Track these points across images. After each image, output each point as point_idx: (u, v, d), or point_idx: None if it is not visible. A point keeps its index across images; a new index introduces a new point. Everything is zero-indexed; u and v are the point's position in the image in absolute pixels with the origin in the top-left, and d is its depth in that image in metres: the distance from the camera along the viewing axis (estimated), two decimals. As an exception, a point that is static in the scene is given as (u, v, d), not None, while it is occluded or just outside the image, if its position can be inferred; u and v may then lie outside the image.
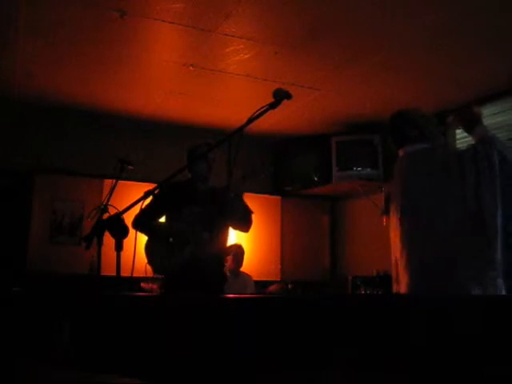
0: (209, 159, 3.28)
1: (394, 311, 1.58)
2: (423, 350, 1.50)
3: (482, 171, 2.19)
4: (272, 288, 5.63)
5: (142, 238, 3.40)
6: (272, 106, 1.86)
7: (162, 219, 3.42)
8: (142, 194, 2.28)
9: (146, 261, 3.36)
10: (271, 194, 6.36)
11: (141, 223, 3.21)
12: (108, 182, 3.13)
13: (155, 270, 3.24)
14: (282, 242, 6.32)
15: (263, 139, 6.14)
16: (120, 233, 2.20)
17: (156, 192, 2.22)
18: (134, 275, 3.33)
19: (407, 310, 1.58)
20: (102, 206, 2.79)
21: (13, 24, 3.75)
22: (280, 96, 1.87)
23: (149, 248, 3.22)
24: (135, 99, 5.25)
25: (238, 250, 5.06)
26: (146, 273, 3.40)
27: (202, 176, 3.31)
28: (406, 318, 1.56)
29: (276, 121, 5.46)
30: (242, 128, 1.84)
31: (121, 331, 1.88)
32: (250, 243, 5.75)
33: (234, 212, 3.13)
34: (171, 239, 3.15)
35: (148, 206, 3.26)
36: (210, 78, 4.65)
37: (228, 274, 4.94)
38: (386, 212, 2.62)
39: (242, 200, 3.19)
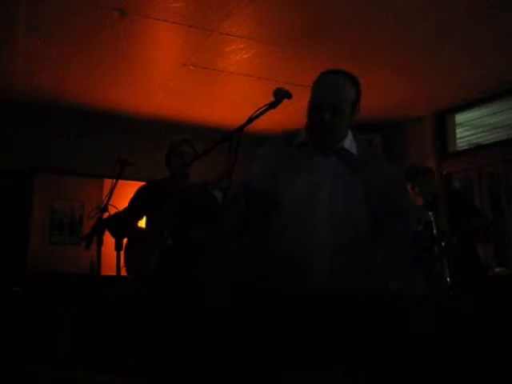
0: (185, 155, 3.16)
1: (389, 310, 1.58)
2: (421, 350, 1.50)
3: None
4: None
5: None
6: (272, 105, 1.85)
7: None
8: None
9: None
10: (271, 193, 6.34)
11: (120, 228, 3.07)
12: (108, 182, 3.12)
13: (127, 273, 3.18)
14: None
15: (263, 139, 6.13)
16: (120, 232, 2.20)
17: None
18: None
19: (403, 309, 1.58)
20: (102, 206, 2.77)
21: (13, 23, 3.75)
22: (280, 95, 1.86)
23: (125, 250, 3.16)
24: (135, 99, 5.24)
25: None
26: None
27: (177, 173, 3.20)
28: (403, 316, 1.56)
29: (276, 120, 5.45)
30: (242, 127, 1.83)
31: (121, 331, 1.88)
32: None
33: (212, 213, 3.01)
34: (143, 243, 3.10)
35: (127, 208, 3.20)
36: (210, 77, 4.65)
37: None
38: None
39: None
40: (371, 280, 1.71)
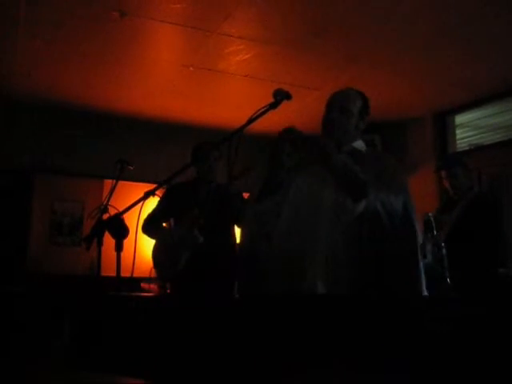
0: (210, 159, 3.27)
1: (387, 311, 1.58)
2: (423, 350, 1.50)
3: None
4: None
5: (143, 239, 3.41)
6: (272, 106, 1.86)
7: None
8: (142, 195, 2.28)
9: (146, 261, 3.38)
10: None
11: (148, 229, 3.23)
12: (108, 183, 3.14)
13: (158, 278, 3.27)
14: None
15: (263, 139, 6.14)
16: (120, 233, 2.21)
17: (156, 192, 2.22)
18: (135, 275, 3.34)
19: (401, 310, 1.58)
20: (102, 207, 2.79)
21: (13, 24, 3.75)
22: (280, 96, 1.88)
23: (153, 255, 3.24)
24: (135, 99, 5.24)
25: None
26: (148, 273, 3.42)
27: (204, 175, 3.30)
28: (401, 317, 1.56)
29: (276, 121, 5.45)
30: (241, 128, 1.84)
31: (121, 331, 1.88)
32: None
33: (234, 210, 3.12)
34: (171, 246, 3.15)
35: (154, 209, 3.29)
36: (209, 78, 4.65)
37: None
38: None
39: (242, 197, 3.20)
40: (373, 280, 1.74)
